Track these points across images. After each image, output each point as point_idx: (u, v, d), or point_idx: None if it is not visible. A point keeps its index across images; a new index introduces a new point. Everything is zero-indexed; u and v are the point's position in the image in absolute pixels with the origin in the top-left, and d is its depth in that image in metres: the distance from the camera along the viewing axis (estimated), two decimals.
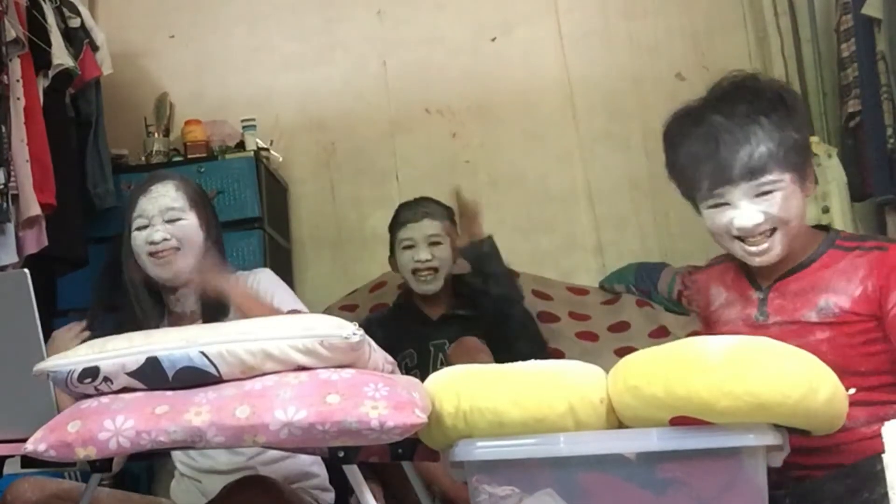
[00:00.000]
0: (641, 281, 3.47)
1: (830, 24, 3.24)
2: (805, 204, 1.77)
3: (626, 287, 3.46)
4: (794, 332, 1.73)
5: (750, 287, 1.86)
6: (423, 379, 2.48)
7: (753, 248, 1.75)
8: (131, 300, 2.16)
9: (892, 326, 1.67)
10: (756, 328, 1.79)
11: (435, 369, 2.52)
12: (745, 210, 1.72)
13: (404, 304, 2.96)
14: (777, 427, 1.38)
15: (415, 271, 2.82)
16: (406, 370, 2.68)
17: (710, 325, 1.95)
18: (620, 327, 3.28)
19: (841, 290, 1.72)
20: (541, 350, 2.74)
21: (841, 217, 2.86)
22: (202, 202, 2.21)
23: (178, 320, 2.14)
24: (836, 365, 1.56)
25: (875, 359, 1.70)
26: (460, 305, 2.84)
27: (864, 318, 1.70)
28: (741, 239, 1.76)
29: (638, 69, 3.88)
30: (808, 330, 1.73)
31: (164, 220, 2.13)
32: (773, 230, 1.74)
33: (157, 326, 2.05)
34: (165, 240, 2.11)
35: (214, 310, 2.09)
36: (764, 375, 1.33)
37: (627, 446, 1.40)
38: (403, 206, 2.98)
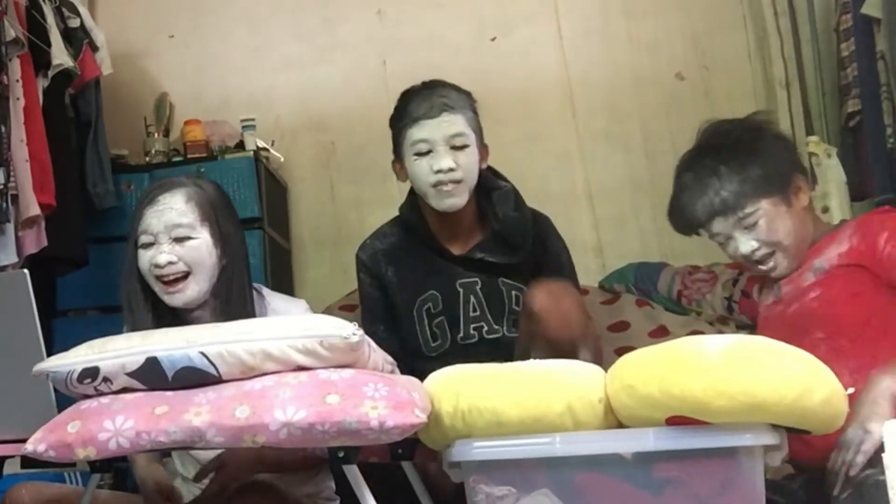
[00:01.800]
0: (641, 281, 3.48)
1: (830, 23, 3.23)
2: (799, 215, 2.00)
3: (626, 287, 3.47)
4: (796, 296, 1.98)
5: None
6: (451, 328, 2.29)
7: (764, 268, 2.01)
8: (128, 322, 1.92)
9: (887, 263, 1.88)
10: (777, 303, 2.05)
11: (467, 315, 2.30)
12: (740, 240, 1.99)
13: (413, 225, 2.38)
14: (775, 427, 1.38)
15: (435, 184, 2.24)
16: (429, 317, 2.31)
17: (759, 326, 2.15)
18: (620, 327, 3.28)
19: (832, 251, 1.97)
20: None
21: (840, 216, 2.86)
22: (217, 212, 1.94)
23: None
24: (827, 318, 1.87)
25: (857, 304, 1.89)
26: (487, 241, 2.34)
27: (852, 269, 1.91)
28: (758, 265, 2.01)
29: (638, 69, 3.88)
30: (804, 291, 1.98)
31: (171, 238, 1.89)
32: (773, 252, 1.98)
33: None
34: (171, 263, 1.88)
35: None
36: (759, 375, 1.33)
37: (624, 446, 1.40)
38: (413, 95, 2.33)
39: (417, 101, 2.28)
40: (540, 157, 3.87)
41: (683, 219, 2.07)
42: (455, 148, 2.24)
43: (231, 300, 1.94)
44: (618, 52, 3.91)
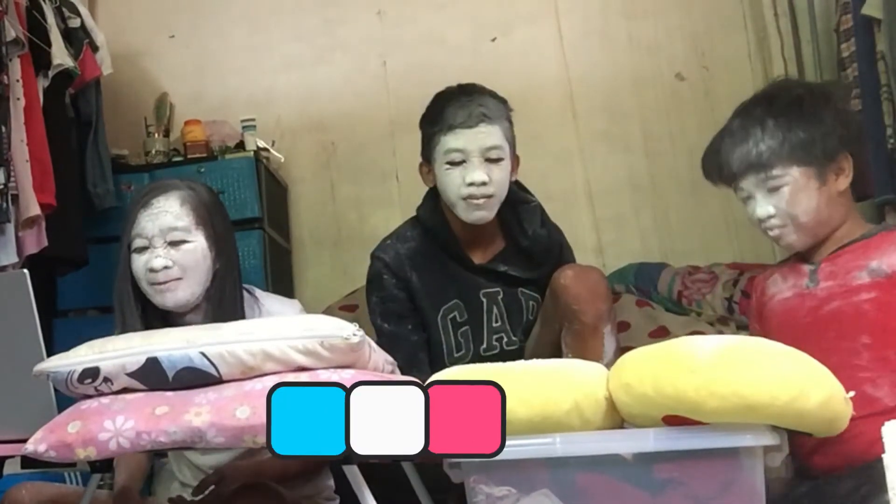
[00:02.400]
0: (641, 281, 3.48)
1: (830, 24, 3.23)
2: (830, 197, 1.85)
3: (626, 287, 3.47)
4: (840, 294, 1.81)
5: (804, 264, 1.92)
6: (475, 339, 2.25)
7: (772, 234, 1.88)
8: (118, 326, 1.90)
9: None
10: (804, 296, 1.87)
11: (490, 325, 2.26)
12: (759, 202, 1.86)
13: (436, 231, 2.29)
14: (775, 427, 1.38)
15: (466, 197, 2.16)
16: (454, 326, 2.26)
17: (764, 318, 1.98)
18: (620, 327, 3.27)
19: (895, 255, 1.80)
20: None
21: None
22: (211, 215, 1.92)
23: None
24: (879, 323, 1.71)
25: None
26: (508, 252, 2.30)
27: None
28: (766, 233, 1.88)
29: (638, 69, 3.88)
30: (854, 291, 1.79)
31: (166, 241, 1.86)
32: (786, 225, 1.84)
33: None
34: (167, 268, 1.85)
35: None
36: (751, 376, 1.33)
37: (624, 446, 1.41)
38: (450, 100, 2.21)
39: (454, 107, 2.17)
40: (540, 157, 3.84)
41: (716, 163, 1.92)
42: (490, 161, 2.16)
43: (223, 304, 1.91)
44: (618, 52, 3.91)
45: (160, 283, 1.87)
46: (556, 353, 2.12)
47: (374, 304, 2.31)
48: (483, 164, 2.14)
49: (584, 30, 3.95)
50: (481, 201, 2.16)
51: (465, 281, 2.26)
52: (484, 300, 2.26)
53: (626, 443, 1.41)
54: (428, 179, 2.28)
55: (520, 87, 3.88)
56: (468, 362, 2.24)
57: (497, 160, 2.17)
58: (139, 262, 1.88)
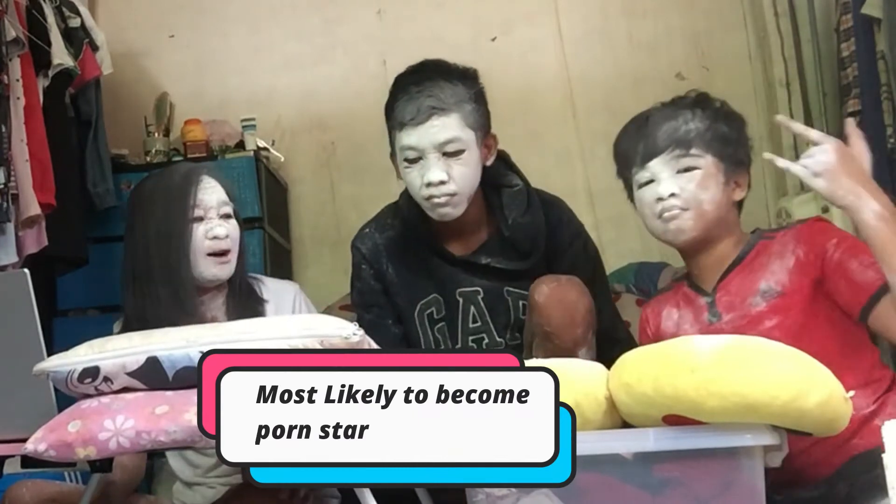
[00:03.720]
0: (641, 280, 3.48)
1: (830, 23, 3.24)
2: (726, 199, 1.86)
3: (626, 287, 3.47)
4: (745, 325, 1.78)
5: (698, 296, 1.91)
6: (451, 337, 2.15)
7: (667, 215, 1.83)
8: (181, 299, 1.94)
9: (834, 270, 1.73)
10: (712, 331, 1.81)
11: (466, 326, 2.13)
12: (666, 181, 1.84)
13: (412, 223, 2.17)
14: (775, 427, 1.38)
15: (427, 197, 2.01)
16: (431, 322, 2.16)
17: None
18: None
19: (778, 269, 1.80)
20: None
21: (840, 216, 2.85)
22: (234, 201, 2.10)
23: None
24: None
25: (818, 330, 1.73)
26: (493, 242, 2.15)
27: (804, 290, 1.75)
28: (661, 216, 1.85)
29: (638, 69, 3.88)
30: (756, 320, 1.78)
31: (220, 214, 2.01)
32: (687, 209, 1.83)
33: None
34: (228, 236, 1.99)
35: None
36: (751, 376, 1.33)
37: (624, 446, 1.41)
38: (401, 91, 2.06)
39: (404, 101, 2.03)
40: (540, 156, 3.86)
41: (640, 136, 1.91)
42: (448, 155, 1.99)
43: (242, 283, 2.06)
44: (618, 52, 3.91)
45: (219, 255, 1.99)
46: None
47: (354, 294, 2.28)
48: (440, 161, 1.98)
49: (584, 29, 3.95)
50: (443, 199, 2.00)
51: (443, 276, 2.13)
52: (460, 300, 2.12)
53: (626, 442, 1.41)
54: (399, 172, 2.14)
55: (520, 87, 3.91)
56: None
57: (456, 153, 1.99)
58: (199, 231, 1.99)
